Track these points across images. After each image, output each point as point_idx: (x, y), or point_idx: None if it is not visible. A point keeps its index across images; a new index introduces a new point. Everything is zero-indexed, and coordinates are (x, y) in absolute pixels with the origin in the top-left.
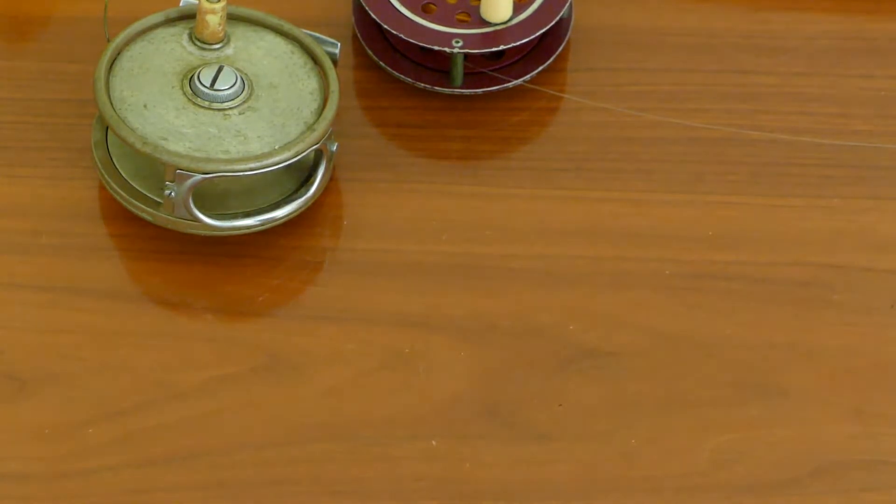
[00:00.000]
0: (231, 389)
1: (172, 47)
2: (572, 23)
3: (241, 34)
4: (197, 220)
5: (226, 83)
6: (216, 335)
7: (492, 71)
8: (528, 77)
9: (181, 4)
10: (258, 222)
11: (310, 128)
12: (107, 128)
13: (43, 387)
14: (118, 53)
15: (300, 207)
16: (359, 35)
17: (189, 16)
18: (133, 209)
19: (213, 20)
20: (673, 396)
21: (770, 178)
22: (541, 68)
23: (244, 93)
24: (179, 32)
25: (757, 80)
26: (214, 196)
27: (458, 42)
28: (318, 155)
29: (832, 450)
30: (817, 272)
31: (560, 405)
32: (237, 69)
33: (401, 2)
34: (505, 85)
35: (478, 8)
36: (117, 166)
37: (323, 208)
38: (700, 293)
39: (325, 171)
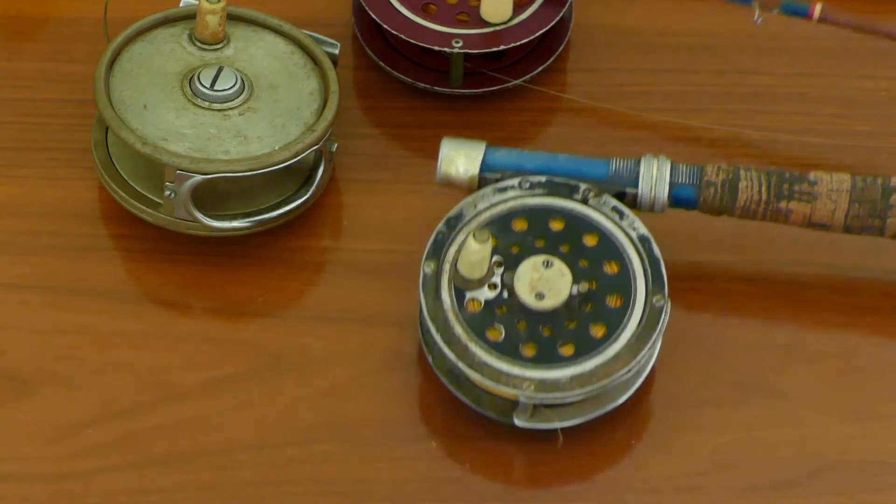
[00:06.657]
0: (231, 389)
1: (172, 48)
2: (572, 23)
3: (241, 34)
4: (197, 220)
5: (226, 84)
6: (216, 335)
7: (492, 71)
8: (528, 77)
9: (181, 5)
10: (258, 223)
11: (310, 128)
12: (107, 128)
13: (43, 387)
14: (118, 53)
15: (300, 208)
16: (359, 35)
17: (189, 16)
18: (133, 210)
19: (213, 20)
20: (673, 396)
21: None
22: (541, 68)
23: (244, 93)
24: (179, 33)
25: (757, 80)
26: (214, 197)
27: (458, 42)
28: (318, 155)
29: (832, 451)
30: (817, 272)
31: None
32: (237, 70)
33: (401, 2)
34: (505, 85)
35: (478, 8)
36: (117, 167)
37: (323, 208)
38: (700, 293)
39: (324, 171)
